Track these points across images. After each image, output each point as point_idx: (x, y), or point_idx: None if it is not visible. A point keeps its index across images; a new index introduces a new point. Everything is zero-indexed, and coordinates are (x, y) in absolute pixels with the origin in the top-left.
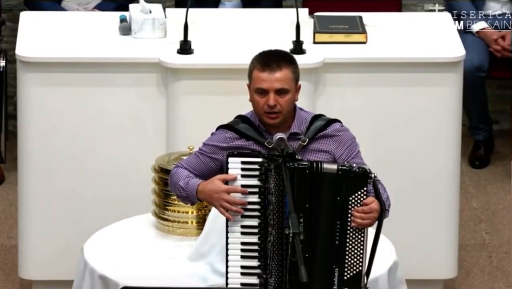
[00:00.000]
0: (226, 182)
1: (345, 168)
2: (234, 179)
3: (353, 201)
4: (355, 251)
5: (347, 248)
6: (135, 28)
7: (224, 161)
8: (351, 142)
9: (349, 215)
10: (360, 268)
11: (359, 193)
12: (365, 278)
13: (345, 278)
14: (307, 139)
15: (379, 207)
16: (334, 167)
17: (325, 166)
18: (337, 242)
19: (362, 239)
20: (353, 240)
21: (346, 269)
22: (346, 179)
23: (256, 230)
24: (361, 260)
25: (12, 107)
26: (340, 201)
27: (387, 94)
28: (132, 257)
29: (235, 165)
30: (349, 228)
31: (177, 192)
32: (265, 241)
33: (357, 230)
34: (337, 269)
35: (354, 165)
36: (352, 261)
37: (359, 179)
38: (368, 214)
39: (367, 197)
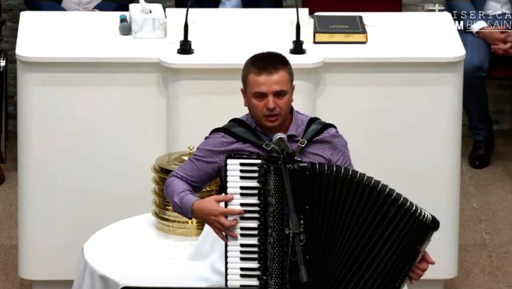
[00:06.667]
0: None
1: (436, 219)
2: (231, 200)
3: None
4: None
5: None
6: (135, 28)
7: (222, 163)
8: (345, 149)
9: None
10: None
11: (426, 243)
12: None
13: None
14: (306, 141)
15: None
16: (427, 214)
17: (423, 212)
18: (396, 285)
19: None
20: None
21: None
22: (429, 228)
23: (255, 232)
24: None
25: (12, 107)
26: (417, 249)
27: (387, 94)
28: (132, 257)
29: (233, 166)
30: (409, 277)
31: (172, 207)
32: (264, 243)
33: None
34: None
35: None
36: None
37: (431, 230)
38: (423, 272)
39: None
